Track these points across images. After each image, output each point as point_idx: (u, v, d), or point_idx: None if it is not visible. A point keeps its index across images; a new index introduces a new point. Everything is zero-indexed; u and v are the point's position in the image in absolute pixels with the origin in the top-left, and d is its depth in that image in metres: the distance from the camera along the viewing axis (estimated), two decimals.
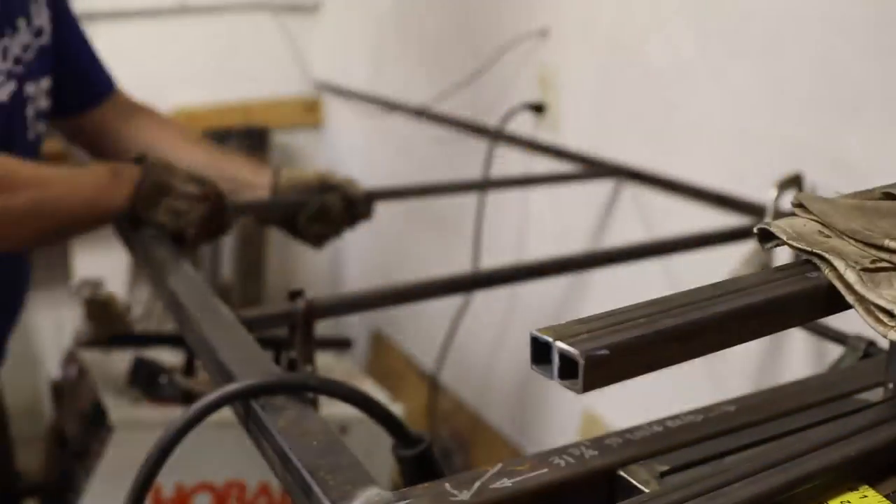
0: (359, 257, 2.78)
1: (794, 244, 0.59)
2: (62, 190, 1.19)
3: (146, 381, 1.44)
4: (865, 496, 0.57)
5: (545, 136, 1.84)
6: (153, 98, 2.58)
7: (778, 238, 0.60)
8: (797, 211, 0.63)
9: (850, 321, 0.78)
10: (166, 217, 1.24)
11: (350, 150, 2.75)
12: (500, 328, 2.06)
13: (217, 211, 1.28)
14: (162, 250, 1.14)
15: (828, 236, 0.60)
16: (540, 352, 0.50)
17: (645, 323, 0.51)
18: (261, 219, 1.63)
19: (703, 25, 1.43)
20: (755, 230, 0.61)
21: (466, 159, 2.05)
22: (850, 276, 0.56)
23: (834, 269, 0.57)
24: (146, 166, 1.26)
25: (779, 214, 1.43)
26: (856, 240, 0.59)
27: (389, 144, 2.50)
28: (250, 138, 2.64)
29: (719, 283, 0.57)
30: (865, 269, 0.56)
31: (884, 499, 0.57)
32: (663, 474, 0.59)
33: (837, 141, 1.23)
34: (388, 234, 2.54)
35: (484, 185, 1.94)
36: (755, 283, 0.57)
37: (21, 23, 1.28)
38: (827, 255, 0.57)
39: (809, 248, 0.58)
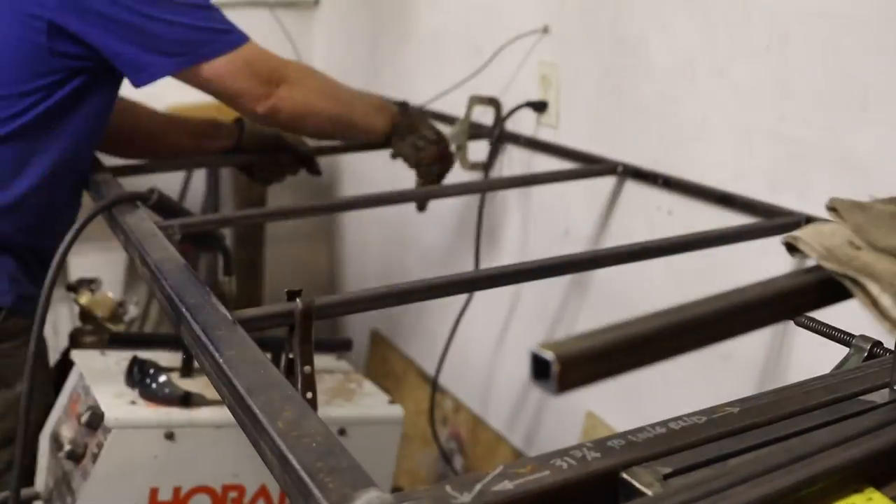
0: (359, 257, 2.78)
1: (826, 264, 0.58)
2: (360, 110, 1.66)
3: (143, 382, 1.44)
4: (871, 499, 0.57)
5: (546, 134, 1.83)
6: (150, 96, 2.56)
7: (804, 251, 0.59)
8: (830, 216, 0.61)
9: (855, 321, 0.78)
10: (409, 150, 1.68)
11: None
12: (500, 328, 2.06)
13: (443, 155, 1.72)
14: (159, 250, 1.13)
15: (858, 248, 0.58)
16: (539, 366, 0.51)
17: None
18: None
19: (706, 21, 1.43)
20: (782, 242, 0.60)
21: None
22: (886, 301, 0.54)
23: (867, 292, 0.55)
24: (404, 109, 1.73)
25: (467, 121, 1.84)
26: (894, 256, 0.57)
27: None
28: None
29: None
30: None
31: (890, 501, 0.57)
32: (666, 476, 0.59)
33: (844, 140, 1.22)
34: (388, 233, 2.53)
35: (484, 188, 1.94)
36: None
37: None
38: (860, 278, 0.56)
39: (842, 271, 0.57)
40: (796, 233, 0.62)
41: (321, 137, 1.82)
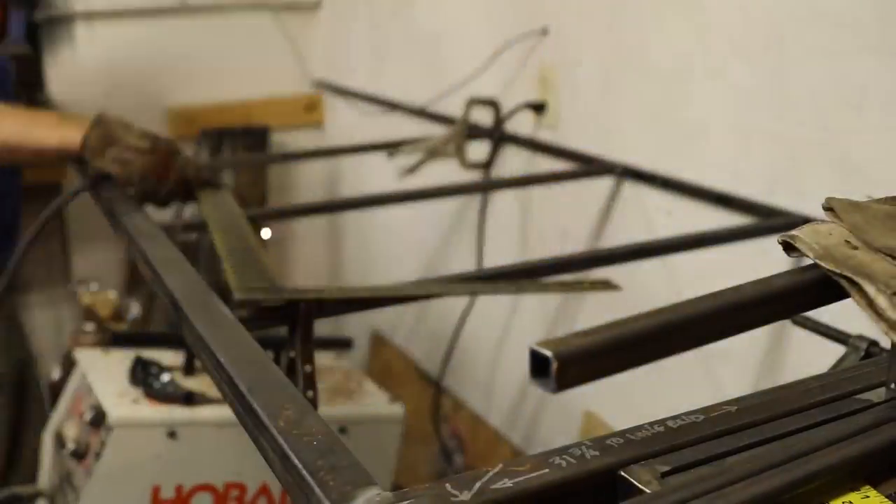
0: (359, 257, 2.78)
1: (823, 264, 0.57)
2: (16, 125, 1.40)
3: (146, 381, 1.44)
4: (867, 496, 0.57)
5: (545, 135, 1.83)
6: (153, 97, 2.58)
7: (801, 250, 0.59)
8: (827, 216, 0.61)
9: (851, 321, 0.78)
10: (112, 165, 1.39)
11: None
12: (501, 328, 2.06)
13: (163, 166, 1.41)
14: (161, 249, 1.14)
15: (855, 247, 0.58)
16: (538, 364, 0.51)
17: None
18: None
19: (704, 23, 1.43)
20: (779, 241, 0.60)
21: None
22: (882, 302, 0.54)
23: (863, 293, 0.55)
24: (96, 119, 1.41)
25: (466, 123, 1.83)
26: (892, 257, 0.56)
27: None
28: (250, 138, 2.63)
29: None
30: None
31: (886, 499, 0.57)
32: (665, 475, 0.58)
33: (841, 140, 1.22)
34: (388, 233, 2.53)
35: (485, 187, 1.94)
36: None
37: None
38: (856, 278, 0.55)
39: (838, 270, 0.57)
40: (793, 232, 0.62)
41: None
